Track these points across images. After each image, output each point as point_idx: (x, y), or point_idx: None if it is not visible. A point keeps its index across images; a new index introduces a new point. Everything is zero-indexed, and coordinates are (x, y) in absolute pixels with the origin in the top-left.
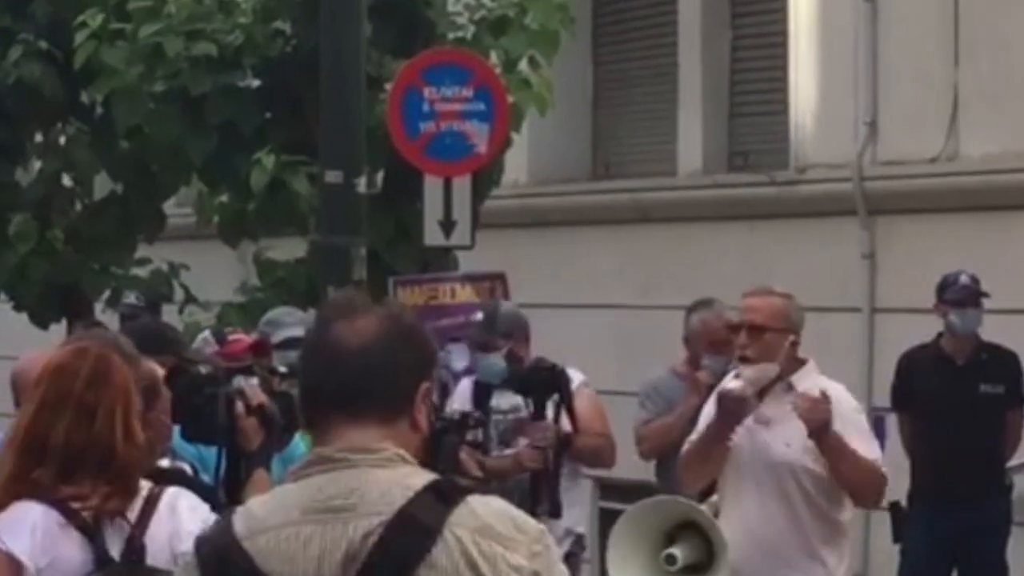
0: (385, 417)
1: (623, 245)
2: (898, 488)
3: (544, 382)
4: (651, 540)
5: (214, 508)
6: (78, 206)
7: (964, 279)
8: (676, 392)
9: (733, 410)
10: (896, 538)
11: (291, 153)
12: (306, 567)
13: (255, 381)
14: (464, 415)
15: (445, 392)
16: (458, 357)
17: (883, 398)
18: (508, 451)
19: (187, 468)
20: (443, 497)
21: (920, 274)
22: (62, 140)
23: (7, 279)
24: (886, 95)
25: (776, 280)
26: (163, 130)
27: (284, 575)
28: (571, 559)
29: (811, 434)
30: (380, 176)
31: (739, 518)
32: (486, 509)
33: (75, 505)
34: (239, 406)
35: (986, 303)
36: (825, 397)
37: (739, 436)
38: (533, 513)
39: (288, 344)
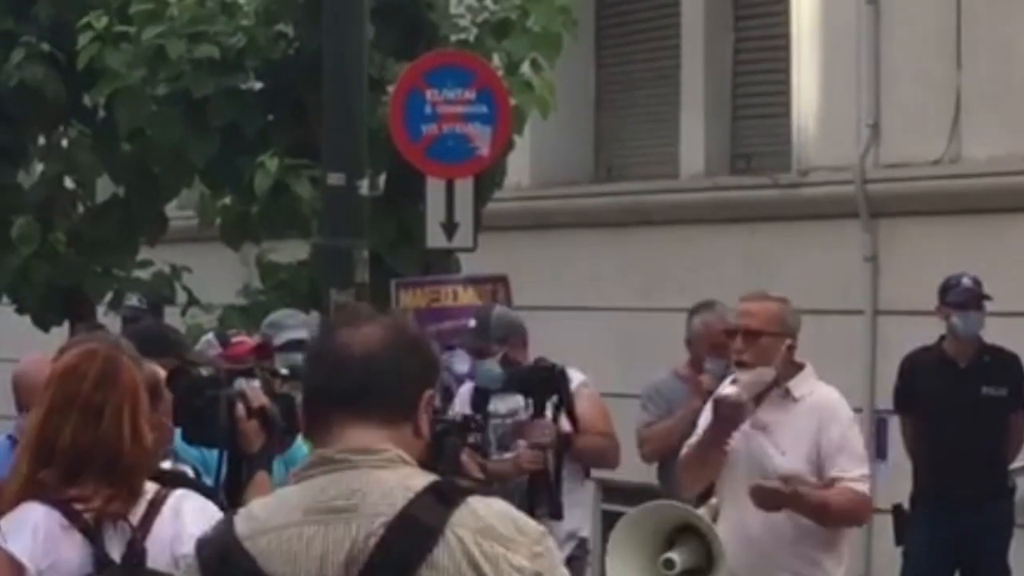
0: (388, 420)
1: (625, 247)
2: (901, 491)
3: (544, 381)
4: (650, 544)
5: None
6: (80, 208)
7: (966, 281)
8: (678, 394)
9: (729, 415)
10: (898, 540)
11: (293, 156)
12: (308, 568)
13: (256, 383)
14: (466, 417)
15: (448, 395)
16: (460, 360)
17: (885, 400)
18: (507, 455)
19: (189, 471)
20: (444, 498)
21: (922, 276)
22: (64, 143)
23: (9, 282)
24: (888, 98)
25: (778, 282)
26: (165, 132)
27: None
28: (574, 563)
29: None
30: (382, 178)
31: (737, 521)
32: (487, 510)
33: (78, 507)
34: (240, 408)
35: (988, 305)
36: (785, 483)
37: (736, 441)
38: (532, 515)
39: (290, 346)
